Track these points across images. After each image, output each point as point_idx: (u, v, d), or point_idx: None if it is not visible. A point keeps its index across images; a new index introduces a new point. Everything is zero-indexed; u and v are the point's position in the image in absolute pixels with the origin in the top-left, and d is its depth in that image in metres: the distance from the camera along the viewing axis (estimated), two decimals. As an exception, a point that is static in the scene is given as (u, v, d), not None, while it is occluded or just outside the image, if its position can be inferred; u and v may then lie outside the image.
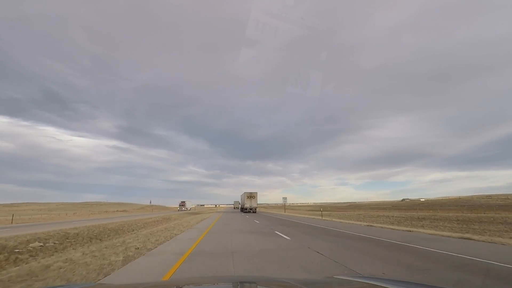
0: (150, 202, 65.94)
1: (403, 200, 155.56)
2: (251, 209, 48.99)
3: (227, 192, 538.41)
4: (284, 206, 50.81)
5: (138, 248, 7.89)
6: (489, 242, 8.82)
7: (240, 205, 68.09)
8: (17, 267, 5.90)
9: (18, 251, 8.14)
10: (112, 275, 4.93)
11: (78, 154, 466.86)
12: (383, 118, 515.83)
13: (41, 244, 9.45)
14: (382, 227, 15.30)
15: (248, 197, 50.00)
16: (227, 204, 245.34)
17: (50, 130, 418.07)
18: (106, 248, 8.00)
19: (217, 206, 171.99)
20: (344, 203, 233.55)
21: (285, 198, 49.78)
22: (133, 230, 15.11)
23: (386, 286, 1.54)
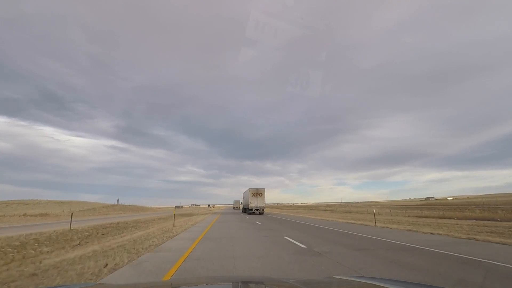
0: (118, 201, 55.35)
1: (426, 199, 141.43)
2: (257, 209, 38.59)
3: (225, 192, 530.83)
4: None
5: None
6: None
7: (242, 205, 56.59)
8: None
9: None
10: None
11: (76, 154, 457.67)
12: (381, 118, 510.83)
13: None
14: None
15: (253, 194, 39.54)
16: (225, 204, 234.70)
17: (48, 130, 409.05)
18: None
19: (211, 206, 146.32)
20: (370, 202, 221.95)
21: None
22: None
23: (386, 286, 1.46)
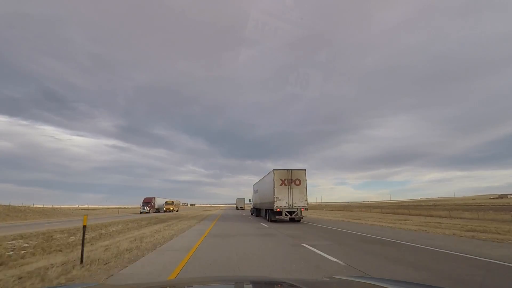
0: None
1: (502, 196, 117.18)
2: (291, 212, 18.69)
3: (225, 191, 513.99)
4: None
5: None
6: None
7: (251, 203, 33.04)
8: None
9: None
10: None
11: (77, 154, 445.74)
12: (382, 118, 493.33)
13: None
14: None
15: (283, 182, 19.44)
16: (226, 204, 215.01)
17: (49, 129, 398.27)
18: None
19: (186, 205, 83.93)
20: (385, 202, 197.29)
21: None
22: None
23: (386, 286, 1.46)
